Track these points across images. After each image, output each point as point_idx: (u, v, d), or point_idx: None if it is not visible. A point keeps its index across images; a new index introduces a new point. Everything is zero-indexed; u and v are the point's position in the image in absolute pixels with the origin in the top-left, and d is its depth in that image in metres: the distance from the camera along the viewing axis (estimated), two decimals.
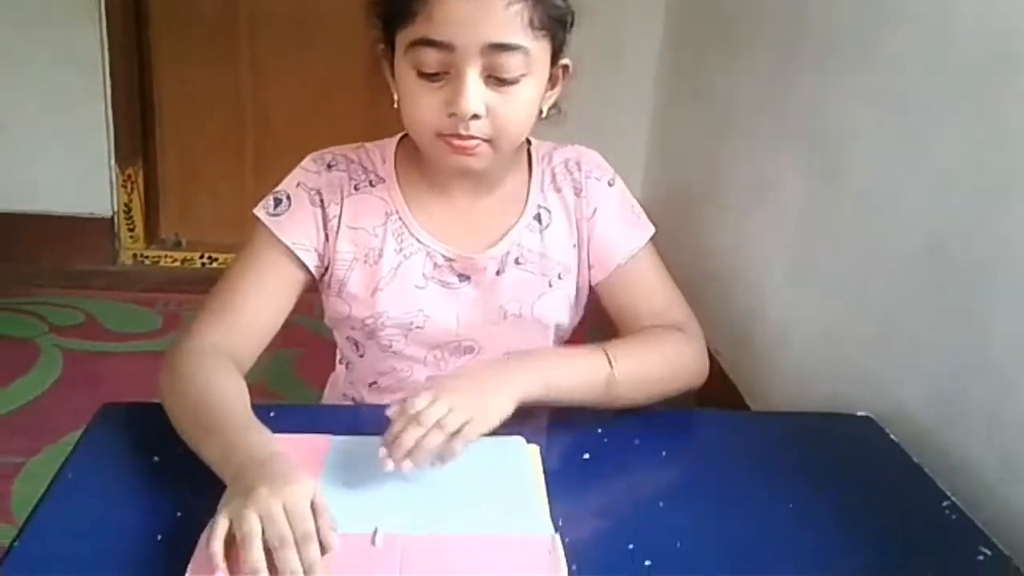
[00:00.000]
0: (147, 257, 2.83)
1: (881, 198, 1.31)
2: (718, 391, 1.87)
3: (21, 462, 1.77)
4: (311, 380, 1.81)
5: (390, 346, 1.07)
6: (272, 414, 0.95)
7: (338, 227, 1.04)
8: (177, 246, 2.87)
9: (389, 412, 0.87)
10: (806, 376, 1.54)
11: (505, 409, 0.90)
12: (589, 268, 1.10)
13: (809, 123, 1.59)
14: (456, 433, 0.85)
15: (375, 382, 1.12)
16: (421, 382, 1.09)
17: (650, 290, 1.10)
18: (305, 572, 0.71)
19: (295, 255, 1.02)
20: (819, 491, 0.93)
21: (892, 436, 1.06)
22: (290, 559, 0.71)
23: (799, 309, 1.59)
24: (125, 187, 2.75)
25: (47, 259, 2.69)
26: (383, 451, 0.84)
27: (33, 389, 2.10)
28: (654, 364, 1.03)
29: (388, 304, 1.05)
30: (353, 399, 1.16)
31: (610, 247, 1.09)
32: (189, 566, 0.74)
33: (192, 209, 2.86)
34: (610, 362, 0.99)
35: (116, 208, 2.77)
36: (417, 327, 1.06)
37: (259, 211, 1.04)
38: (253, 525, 0.72)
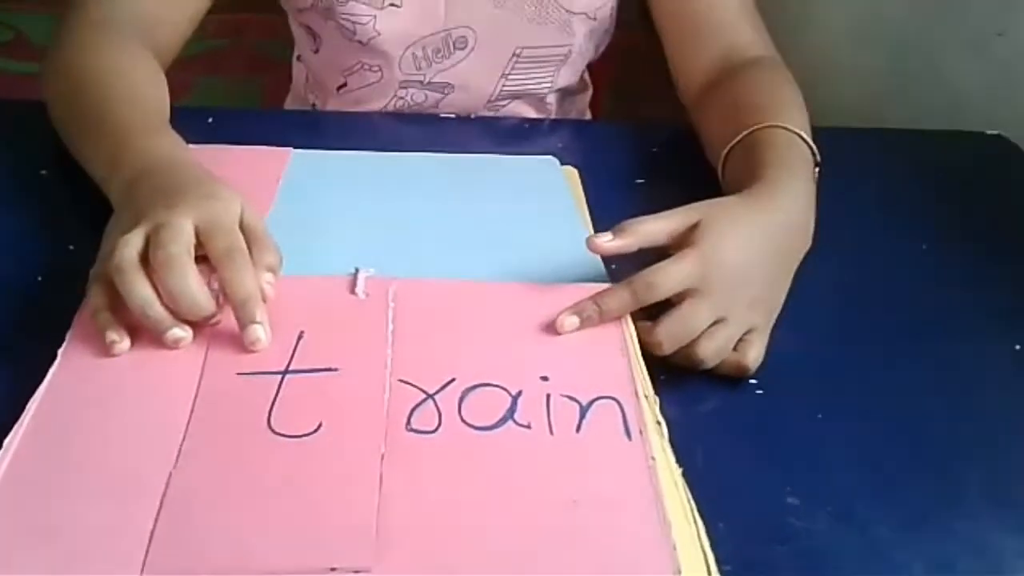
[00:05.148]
0: None
1: None
2: None
3: None
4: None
5: (354, 32, 0.77)
6: (210, 120, 0.74)
7: None
8: None
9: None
10: (878, 96, 1.27)
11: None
12: None
13: None
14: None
15: (344, 84, 0.83)
16: (395, 91, 0.81)
17: None
18: (242, 304, 0.48)
19: None
20: (956, 227, 0.70)
21: None
22: (236, 276, 0.48)
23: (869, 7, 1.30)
24: None
25: None
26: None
27: None
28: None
29: None
30: (314, 106, 0.88)
31: None
32: (69, 332, 0.50)
33: None
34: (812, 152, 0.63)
35: None
36: (391, 3, 0.76)
37: None
38: (133, 247, 0.48)
